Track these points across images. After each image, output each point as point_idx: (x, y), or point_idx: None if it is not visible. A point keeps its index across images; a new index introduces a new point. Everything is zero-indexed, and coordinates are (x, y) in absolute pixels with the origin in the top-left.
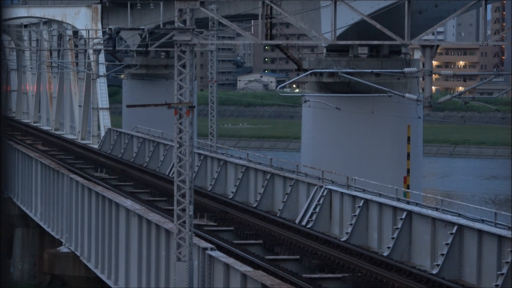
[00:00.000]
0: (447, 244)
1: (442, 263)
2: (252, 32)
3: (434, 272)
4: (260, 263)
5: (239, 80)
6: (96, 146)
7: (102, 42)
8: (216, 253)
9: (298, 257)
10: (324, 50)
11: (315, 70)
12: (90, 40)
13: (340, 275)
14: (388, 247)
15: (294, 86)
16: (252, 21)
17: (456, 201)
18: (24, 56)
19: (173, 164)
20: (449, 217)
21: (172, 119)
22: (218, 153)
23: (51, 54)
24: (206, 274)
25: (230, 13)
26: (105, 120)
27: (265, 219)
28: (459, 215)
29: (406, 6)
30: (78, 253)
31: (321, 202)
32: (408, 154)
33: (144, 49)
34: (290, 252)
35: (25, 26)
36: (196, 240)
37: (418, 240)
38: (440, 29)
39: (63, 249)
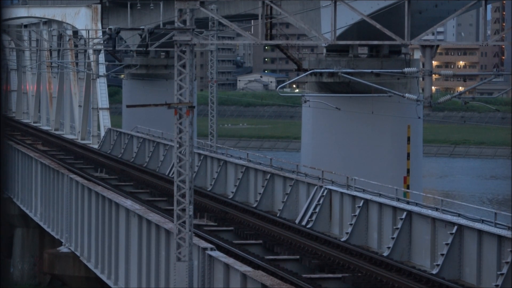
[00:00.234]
0: (447, 244)
1: (442, 263)
2: (252, 32)
3: (434, 272)
4: (260, 263)
5: (239, 80)
6: (96, 146)
7: (102, 42)
8: (216, 253)
9: (298, 257)
10: (324, 50)
11: (315, 70)
12: (90, 40)
13: (340, 275)
14: (388, 247)
15: (294, 86)
16: (252, 21)
17: (456, 201)
18: (24, 56)
19: (173, 164)
20: (449, 217)
21: (172, 119)
22: (218, 153)
23: (51, 54)
24: (206, 274)
25: (230, 13)
26: (105, 120)
27: (265, 219)
28: (459, 215)
29: (406, 6)
30: (78, 253)
31: (321, 202)
32: (408, 154)
33: (144, 49)
34: (290, 252)
35: (25, 26)
36: (196, 240)
37: (418, 240)
38: (440, 29)
39: (63, 249)
